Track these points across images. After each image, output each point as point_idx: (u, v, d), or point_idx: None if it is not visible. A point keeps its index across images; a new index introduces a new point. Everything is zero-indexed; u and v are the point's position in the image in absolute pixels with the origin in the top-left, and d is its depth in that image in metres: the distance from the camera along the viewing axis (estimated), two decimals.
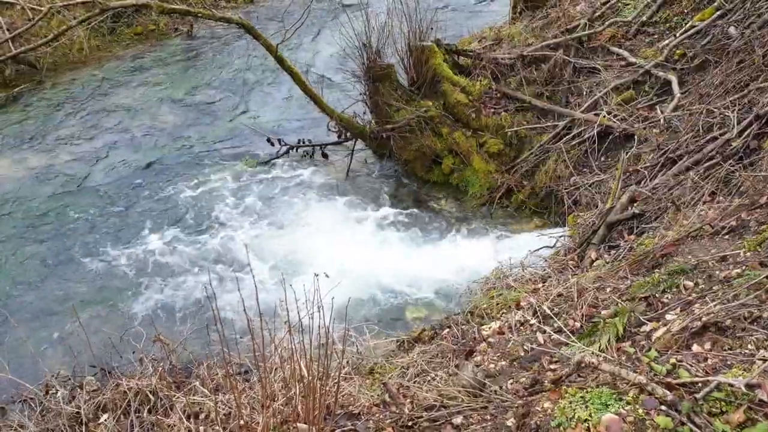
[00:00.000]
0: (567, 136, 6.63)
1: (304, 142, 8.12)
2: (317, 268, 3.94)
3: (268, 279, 6.04)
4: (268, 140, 8.14)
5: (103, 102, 9.39)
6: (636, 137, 6.09)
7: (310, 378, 3.19)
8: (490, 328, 4.36)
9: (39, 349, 5.48)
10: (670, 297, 3.47)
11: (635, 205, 5.16)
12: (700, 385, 2.33)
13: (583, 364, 2.62)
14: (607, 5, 7.73)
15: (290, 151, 8.09)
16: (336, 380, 3.42)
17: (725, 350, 2.60)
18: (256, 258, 6.29)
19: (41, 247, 6.75)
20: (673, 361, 2.58)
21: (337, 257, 6.16)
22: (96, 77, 9.98)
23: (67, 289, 6.20)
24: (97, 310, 5.94)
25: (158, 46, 10.90)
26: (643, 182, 5.47)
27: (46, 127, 8.85)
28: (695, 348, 2.67)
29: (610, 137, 6.35)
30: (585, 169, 6.39)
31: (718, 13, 6.54)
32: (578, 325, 3.77)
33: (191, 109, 9.18)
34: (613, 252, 4.88)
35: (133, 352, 4.68)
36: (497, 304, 4.77)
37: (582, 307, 3.92)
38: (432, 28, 7.34)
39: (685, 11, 7.08)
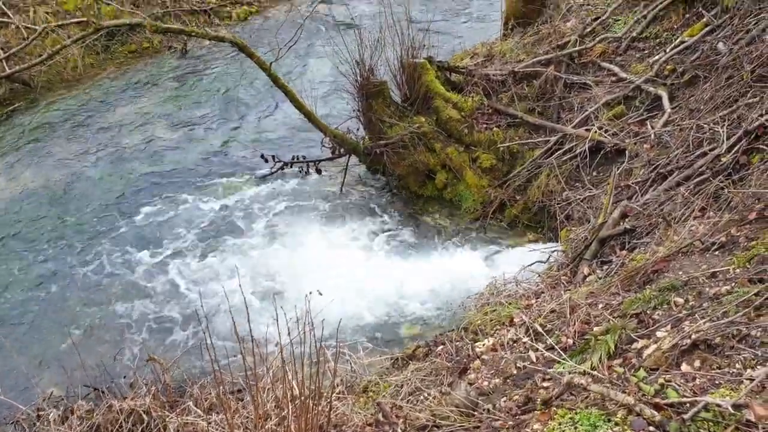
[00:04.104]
0: (559, 152, 6.66)
1: (298, 159, 8.15)
2: (311, 285, 3.95)
3: (261, 297, 6.04)
4: (262, 157, 8.18)
5: (97, 120, 9.41)
6: (627, 152, 6.12)
7: (303, 398, 3.19)
8: (483, 345, 4.36)
9: (32, 369, 5.47)
10: (660, 314, 3.49)
11: (627, 220, 5.18)
12: (688, 405, 2.35)
13: (572, 385, 2.63)
14: (598, 21, 7.78)
15: (284, 167, 8.11)
16: (328, 399, 3.43)
17: (714, 369, 2.62)
18: (248, 276, 6.30)
19: (34, 265, 6.75)
20: (661, 380, 2.59)
21: (331, 274, 6.17)
22: (90, 95, 10.00)
23: (60, 308, 6.19)
24: (90, 329, 5.94)
25: (152, 63, 10.93)
26: (634, 197, 5.49)
27: (40, 145, 8.87)
28: (684, 367, 2.69)
29: (602, 152, 6.37)
30: (577, 184, 6.42)
31: (707, 29, 6.58)
32: (571, 341, 3.78)
33: (185, 126, 9.20)
34: (605, 267, 4.90)
35: (124, 377, 4.68)
36: (491, 320, 4.78)
37: (575, 324, 3.93)
38: (424, 46, 7.39)
39: (675, 27, 7.12)
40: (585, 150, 6.40)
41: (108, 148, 8.77)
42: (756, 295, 3.07)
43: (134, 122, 9.30)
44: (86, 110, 9.61)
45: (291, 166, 8.14)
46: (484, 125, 7.30)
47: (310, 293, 3.74)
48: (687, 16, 7.07)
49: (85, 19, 10.01)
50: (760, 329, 2.78)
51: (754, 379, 2.35)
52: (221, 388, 3.60)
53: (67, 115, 9.49)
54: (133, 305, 6.17)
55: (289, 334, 3.36)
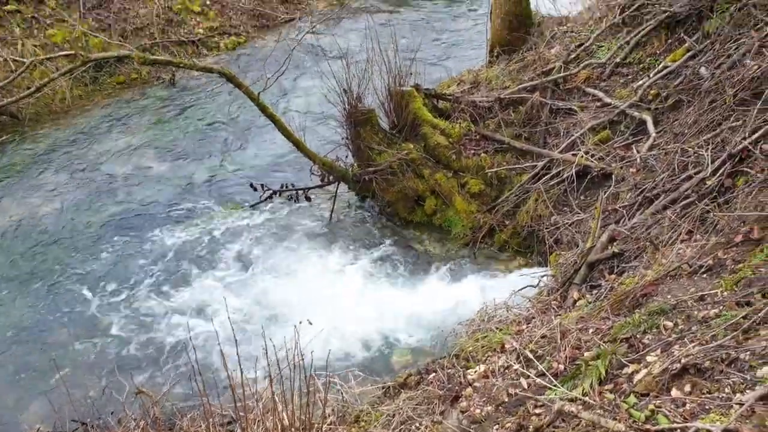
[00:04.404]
0: (546, 176, 6.69)
1: (287, 187, 8.15)
2: (301, 315, 3.93)
3: (250, 327, 5.99)
4: (251, 185, 8.18)
5: (85, 151, 9.38)
6: (613, 176, 6.17)
7: (293, 429, 3.17)
8: (475, 371, 4.35)
9: (20, 403, 5.40)
10: (650, 338, 3.49)
11: (615, 244, 5.21)
12: (678, 431, 2.34)
13: (563, 413, 2.62)
14: (582, 48, 7.88)
15: (273, 196, 8.11)
16: (319, 430, 3.40)
17: (704, 393, 2.62)
18: (238, 306, 6.26)
19: (21, 298, 6.68)
20: (652, 406, 2.59)
21: (321, 302, 6.15)
22: (78, 127, 9.98)
23: (48, 342, 6.12)
24: (78, 362, 5.88)
25: (140, 94, 10.94)
26: (621, 221, 5.52)
27: (28, 178, 8.83)
28: (674, 392, 2.69)
29: (588, 177, 6.41)
30: (565, 209, 6.45)
31: (689, 54, 6.68)
32: (562, 367, 3.77)
33: (173, 156, 9.20)
34: (595, 291, 4.91)
35: (112, 413, 4.62)
36: (482, 346, 4.77)
37: (565, 349, 3.93)
38: (411, 74, 7.47)
39: (658, 52, 7.23)
40: (572, 174, 6.45)
41: (95, 179, 8.72)
42: (744, 318, 3.09)
43: (121, 153, 9.27)
44: (72, 143, 9.58)
45: (280, 195, 8.14)
46: (472, 151, 7.35)
47: (300, 322, 3.73)
48: (669, 41, 7.18)
49: (73, 51, 10.04)
50: (748, 353, 2.79)
51: (743, 404, 2.36)
52: (211, 420, 3.56)
53: (53, 148, 9.45)
54: (119, 338, 6.11)
55: (278, 364, 3.34)
